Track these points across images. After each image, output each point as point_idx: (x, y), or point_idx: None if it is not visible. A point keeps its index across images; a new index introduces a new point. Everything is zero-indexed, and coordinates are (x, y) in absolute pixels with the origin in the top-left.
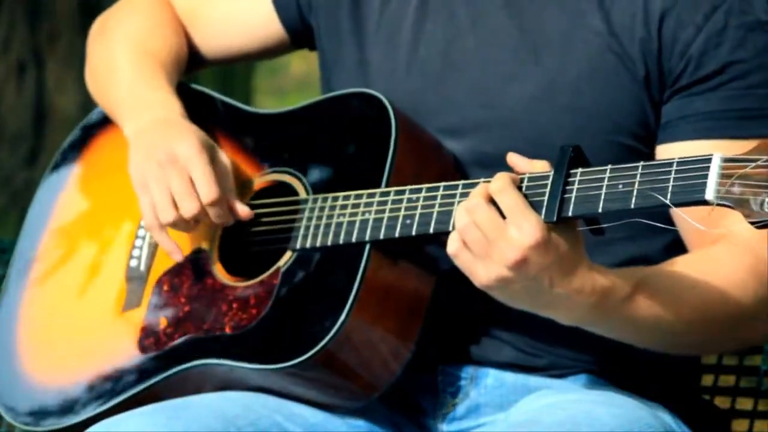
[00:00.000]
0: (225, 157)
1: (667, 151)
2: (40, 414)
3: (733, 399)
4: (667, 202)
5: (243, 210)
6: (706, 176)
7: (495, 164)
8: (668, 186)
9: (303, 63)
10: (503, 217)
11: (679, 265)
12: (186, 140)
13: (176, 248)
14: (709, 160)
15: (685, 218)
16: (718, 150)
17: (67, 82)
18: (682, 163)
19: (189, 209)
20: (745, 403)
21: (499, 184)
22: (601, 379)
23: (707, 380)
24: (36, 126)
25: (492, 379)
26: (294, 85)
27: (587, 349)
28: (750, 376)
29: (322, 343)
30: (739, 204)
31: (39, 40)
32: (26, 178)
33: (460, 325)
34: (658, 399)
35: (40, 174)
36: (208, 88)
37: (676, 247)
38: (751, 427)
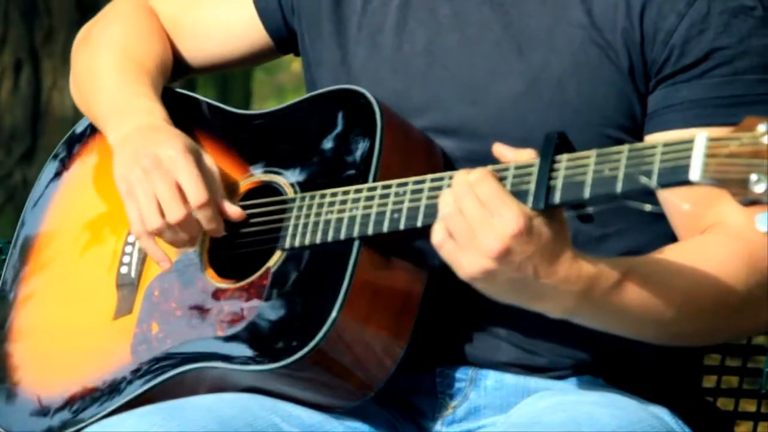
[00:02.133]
0: (211, 160)
1: (655, 141)
2: (36, 426)
3: (737, 401)
4: (654, 184)
5: (233, 210)
6: (691, 156)
7: (484, 161)
8: (654, 168)
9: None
10: None
11: (668, 252)
12: (170, 144)
13: (164, 256)
14: (693, 141)
15: (673, 204)
16: None
17: (63, 80)
18: (667, 144)
19: (175, 215)
20: (748, 405)
21: (477, 174)
22: (602, 381)
23: (710, 381)
24: (32, 124)
25: (492, 380)
26: (293, 83)
27: (588, 348)
28: (753, 378)
29: (314, 342)
30: (726, 183)
31: (35, 39)
32: (22, 177)
33: (457, 324)
34: (659, 400)
35: (36, 172)
36: (207, 87)
37: (670, 240)
38: (754, 429)
